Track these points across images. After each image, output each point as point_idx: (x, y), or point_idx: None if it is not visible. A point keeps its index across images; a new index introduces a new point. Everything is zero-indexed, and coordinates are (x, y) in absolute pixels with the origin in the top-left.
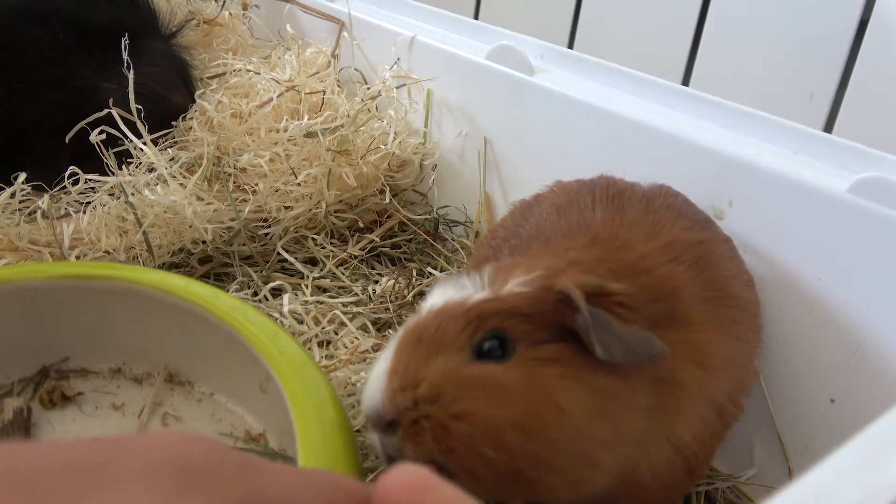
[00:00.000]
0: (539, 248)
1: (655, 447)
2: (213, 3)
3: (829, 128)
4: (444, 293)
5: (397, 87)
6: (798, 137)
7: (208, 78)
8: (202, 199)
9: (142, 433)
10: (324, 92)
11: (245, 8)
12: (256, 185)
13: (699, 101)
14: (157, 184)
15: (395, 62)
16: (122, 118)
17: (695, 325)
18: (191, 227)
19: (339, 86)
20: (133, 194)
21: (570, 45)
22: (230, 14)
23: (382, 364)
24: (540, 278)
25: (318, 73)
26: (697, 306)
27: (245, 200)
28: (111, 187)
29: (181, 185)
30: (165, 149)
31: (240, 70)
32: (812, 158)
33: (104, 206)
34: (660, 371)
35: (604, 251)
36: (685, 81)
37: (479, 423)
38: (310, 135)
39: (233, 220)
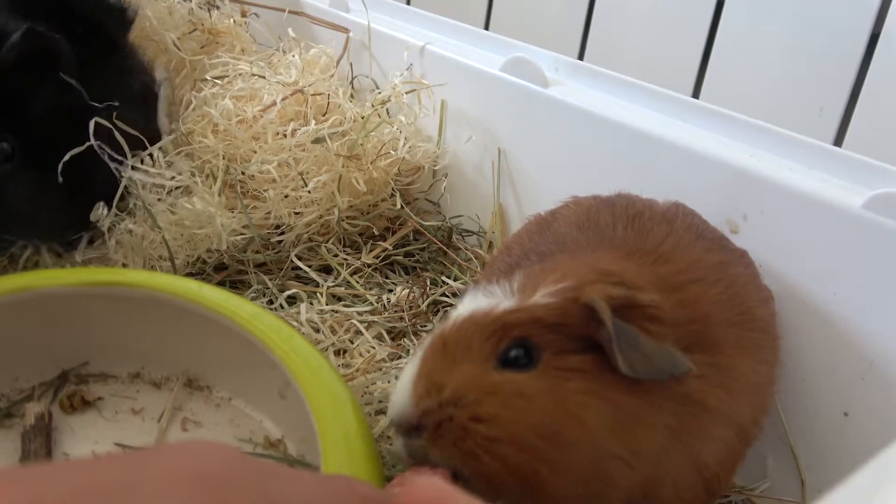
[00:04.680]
0: (565, 259)
1: (678, 469)
2: (217, 11)
3: (838, 141)
4: (473, 301)
5: (407, 93)
6: (813, 153)
7: (214, 78)
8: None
9: (162, 447)
10: (329, 94)
11: (244, 15)
12: (266, 191)
13: (714, 115)
14: (181, 196)
15: (408, 67)
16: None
17: (723, 349)
18: (206, 236)
19: (353, 96)
20: (152, 206)
21: (580, 57)
22: (234, 21)
23: (409, 371)
24: (567, 289)
25: (322, 77)
26: (725, 329)
27: (255, 207)
28: (132, 206)
29: (202, 197)
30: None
31: (244, 73)
32: (827, 174)
33: (130, 232)
34: (686, 392)
35: (639, 262)
36: (695, 94)
37: (501, 427)
38: (318, 140)
39: (245, 227)
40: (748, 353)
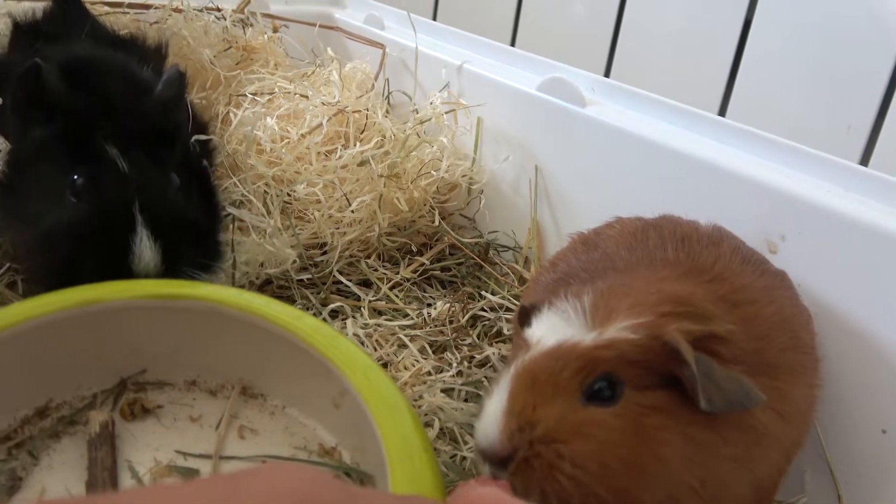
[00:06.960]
0: (622, 276)
1: (738, 495)
2: (250, 29)
3: (865, 160)
4: (552, 326)
5: (447, 112)
6: (849, 174)
7: (252, 95)
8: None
9: (256, 469)
10: (367, 110)
11: (275, 30)
12: (312, 213)
13: (751, 136)
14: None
15: (445, 86)
16: None
17: (781, 374)
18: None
19: (388, 111)
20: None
21: (606, 75)
22: (268, 37)
23: (498, 401)
24: (648, 325)
25: (363, 95)
26: (780, 354)
27: (302, 229)
28: None
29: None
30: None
31: (288, 92)
32: (864, 196)
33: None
34: (750, 423)
35: (699, 282)
36: (721, 112)
37: (586, 465)
38: (363, 163)
39: (293, 246)
40: (799, 377)
